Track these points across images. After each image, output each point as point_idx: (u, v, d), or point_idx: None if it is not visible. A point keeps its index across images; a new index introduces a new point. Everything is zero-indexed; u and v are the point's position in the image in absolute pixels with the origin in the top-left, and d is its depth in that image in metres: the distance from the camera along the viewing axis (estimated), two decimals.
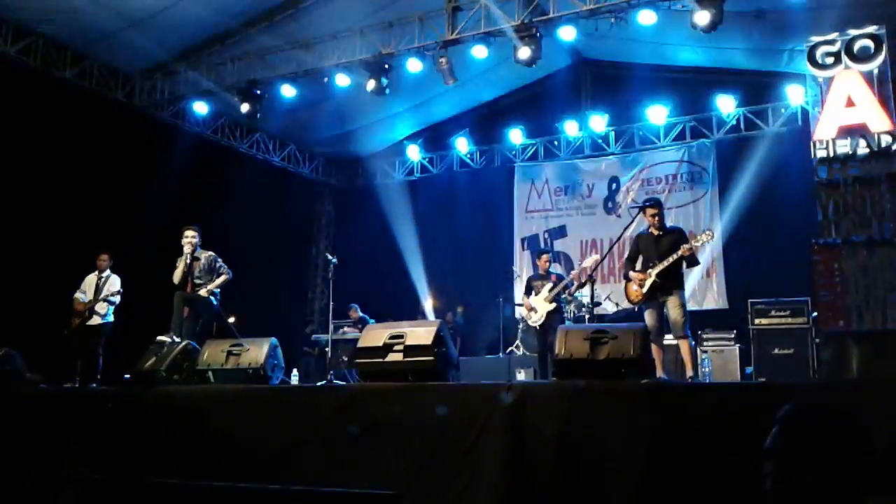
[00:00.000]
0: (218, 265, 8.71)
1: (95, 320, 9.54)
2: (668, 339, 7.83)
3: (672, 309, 7.25)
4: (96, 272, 9.77)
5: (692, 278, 11.95)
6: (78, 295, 9.66)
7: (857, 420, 2.68)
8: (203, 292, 8.47)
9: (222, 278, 8.64)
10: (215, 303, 8.65)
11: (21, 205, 10.75)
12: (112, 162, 11.56)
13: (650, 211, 7.59)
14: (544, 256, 10.14)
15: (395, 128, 15.59)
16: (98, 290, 9.62)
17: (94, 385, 8.56)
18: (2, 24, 10.81)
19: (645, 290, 7.33)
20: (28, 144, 10.81)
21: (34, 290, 10.35)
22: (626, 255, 8.03)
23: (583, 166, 14.80)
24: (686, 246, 7.26)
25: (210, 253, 8.75)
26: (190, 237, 8.64)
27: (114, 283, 9.69)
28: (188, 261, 8.58)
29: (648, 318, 7.32)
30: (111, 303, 9.60)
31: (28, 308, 10.05)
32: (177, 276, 8.58)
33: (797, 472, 2.62)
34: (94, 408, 6.42)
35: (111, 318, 9.65)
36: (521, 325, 11.79)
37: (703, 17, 9.15)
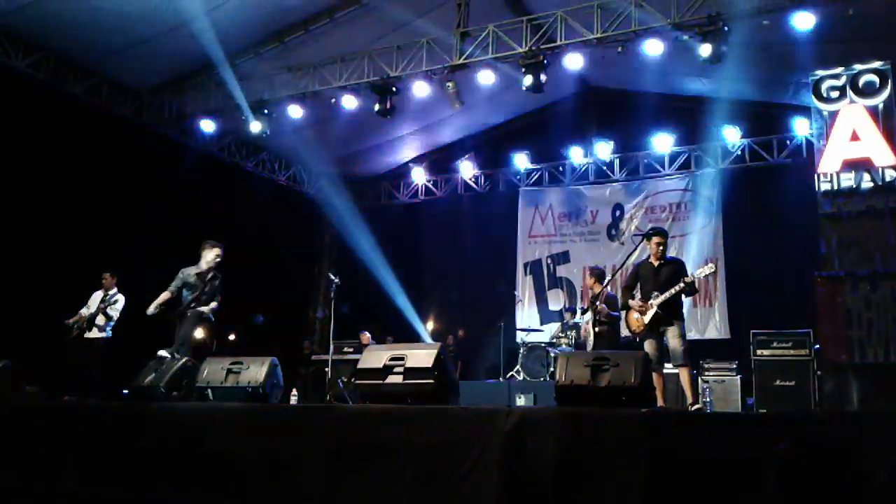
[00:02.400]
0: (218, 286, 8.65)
1: (94, 333, 9.55)
2: (669, 369, 7.82)
3: (672, 338, 7.25)
4: (103, 290, 9.79)
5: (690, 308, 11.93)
6: (83, 311, 9.69)
7: (856, 454, 2.68)
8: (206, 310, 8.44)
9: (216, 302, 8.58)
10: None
11: (26, 218, 10.78)
12: (118, 177, 11.62)
13: (655, 239, 7.59)
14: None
15: (400, 150, 15.67)
16: (104, 305, 9.64)
17: (90, 399, 8.54)
18: (13, 39, 10.90)
19: (647, 320, 7.32)
20: (35, 158, 10.86)
21: (37, 304, 10.35)
22: (624, 284, 8.01)
23: (587, 193, 14.84)
24: (687, 279, 7.27)
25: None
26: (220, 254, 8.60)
27: (118, 299, 9.73)
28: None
29: (648, 347, 7.30)
30: (109, 316, 9.59)
31: (29, 321, 10.04)
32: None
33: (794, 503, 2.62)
34: (91, 422, 6.39)
35: (109, 334, 9.65)
36: (521, 350, 11.78)
37: (707, 49, 9.25)
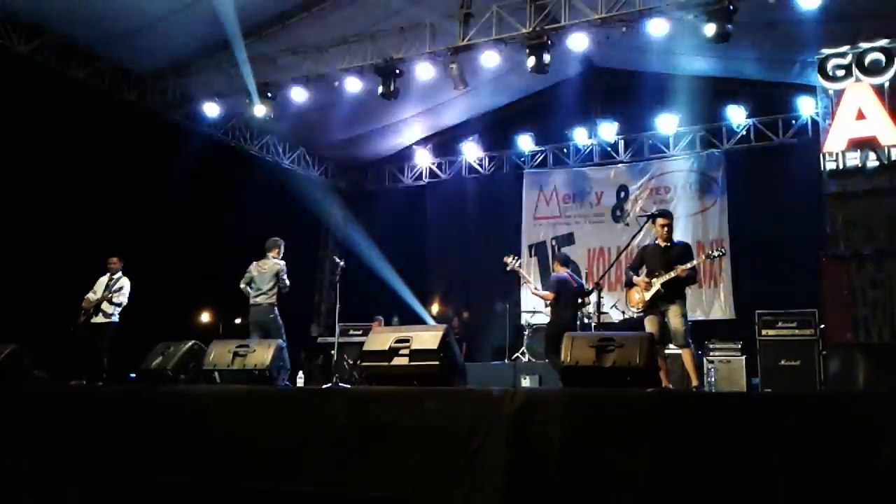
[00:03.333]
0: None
1: (100, 318, 9.58)
2: (673, 349, 7.83)
3: (673, 318, 7.24)
4: (108, 274, 9.82)
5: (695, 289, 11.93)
6: (89, 295, 9.72)
7: (861, 434, 2.69)
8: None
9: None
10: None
11: (32, 204, 10.81)
12: (123, 162, 11.64)
13: (661, 221, 7.57)
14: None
15: (404, 132, 15.61)
16: (107, 290, 9.68)
17: (100, 384, 8.60)
18: (15, 23, 10.86)
19: (648, 297, 7.32)
20: (40, 143, 10.89)
21: (44, 289, 10.41)
22: (629, 264, 8.00)
23: (592, 174, 14.79)
24: (692, 263, 7.27)
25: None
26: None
27: (123, 285, 9.73)
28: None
29: (649, 325, 7.31)
30: (115, 304, 9.62)
31: (37, 306, 10.11)
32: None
33: (803, 483, 2.63)
34: (99, 406, 6.43)
35: (117, 320, 9.67)
36: (526, 332, 11.80)
37: (712, 28, 9.19)
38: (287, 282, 9.46)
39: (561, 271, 9.63)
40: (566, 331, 9.27)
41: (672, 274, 7.21)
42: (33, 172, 10.86)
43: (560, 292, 9.33)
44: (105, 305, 9.58)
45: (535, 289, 10.34)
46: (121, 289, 9.69)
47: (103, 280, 9.81)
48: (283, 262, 9.54)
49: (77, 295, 9.86)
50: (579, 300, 9.39)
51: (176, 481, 5.60)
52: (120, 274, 9.83)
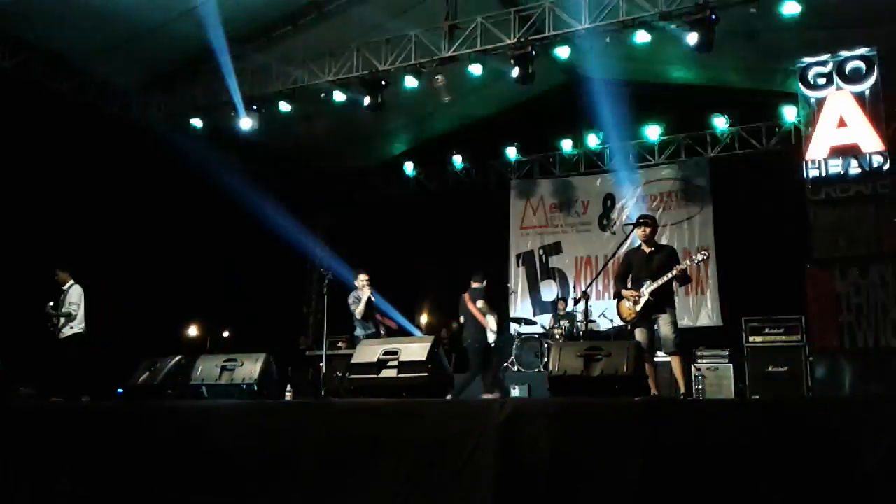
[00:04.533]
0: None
1: (65, 332, 9.43)
2: (662, 357, 7.85)
3: (664, 326, 7.27)
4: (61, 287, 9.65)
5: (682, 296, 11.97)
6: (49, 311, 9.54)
7: (845, 440, 2.71)
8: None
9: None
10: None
11: (17, 218, 10.74)
12: (107, 176, 11.59)
13: (644, 228, 7.60)
14: None
15: (390, 144, 15.65)
16: (59, 304, 9.51)
17: (86, 398, 8.53)
18: (0, 39, 10.84)
19: (639, 308, 7.32)
20: (24, 157, 10.82)
21: (29, 304, 10.33)
22: (615, 273, 8.02)
23: (578, 183, 14.86)
24: (680, 266, 7.28)
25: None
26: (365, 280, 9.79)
27: (71, 295, 9.55)
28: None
29: (640, 336, 7.31)
30: (66, 315, 9.43)
31: (22, 322, 10.03)
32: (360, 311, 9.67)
33: (786, 489, 2.65)
34: (86, 423, 6.39)
35: (79, 330, 9.50)
36: (515, 342, 11.82)
37: (695, 38, 9.28)
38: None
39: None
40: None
41: (659, 282, 7.24)
42: (18, 187, 10.80)
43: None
44: (62, 321, 9.44)
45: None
46: (70, 301, 9.48)
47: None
48: None
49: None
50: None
51: (165, 497, 5.56)
52: (69, 284, 9.63)
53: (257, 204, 14.01)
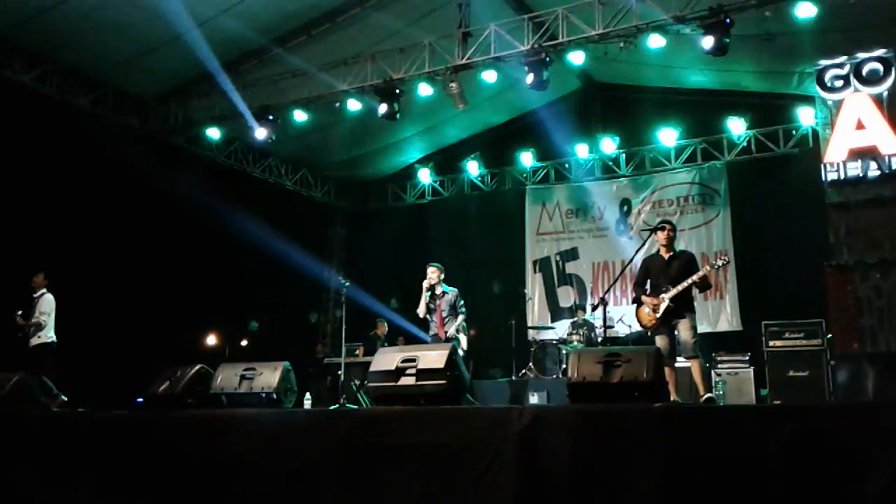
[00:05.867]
0: (459, 303, 9.19)
1: (34, 342, 9.39)
2: (681, 362, 7.81)
3: (683, 331, 7.25)
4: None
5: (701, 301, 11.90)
6: (17, 319, 9.46)
7: (861, 443, 2.68)
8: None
9: (460, 318, 9.11)
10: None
11: (38, 230, 10.84)
12: (126, 187, 11.68)
13: (662, 233, 7.58)
14: None
15: (406, 151, 15.69)
16: (30, 312, 9.44)
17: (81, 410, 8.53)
18: (18, 53, 10.97)
19: (659, 314, 7.30)
20: (44, 171, 10.92)
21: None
22: (634, 279, 8.00)
23: (594, 189, 14.82)
24: (700, 273, 7.26)
25: (455, 290, 9.24)
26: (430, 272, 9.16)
27: (43, 303, 9.49)
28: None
29: (660, 342, 7.29)
30: (35, 325, 9.37)
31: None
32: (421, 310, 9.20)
33: (800, 494, 2.62)
34: (107, 432, 6.43)
35: (48, 340, 9.44)
36: (533, 348, 11.79)
37: (710, 42, 9.24)
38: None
39: None
40: None
41: (679, 288, 7.22)
42: (37, 199, 10.90)
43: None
44: (33, 329, 9.37)
45: None
46: (41, 310, 9.42)
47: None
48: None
49: (73, 320, 9.84)
50: None
51: None
52: (42, 292, 9.56)
53: (273, 214, 14.12)
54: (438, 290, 9.14)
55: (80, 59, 11.43)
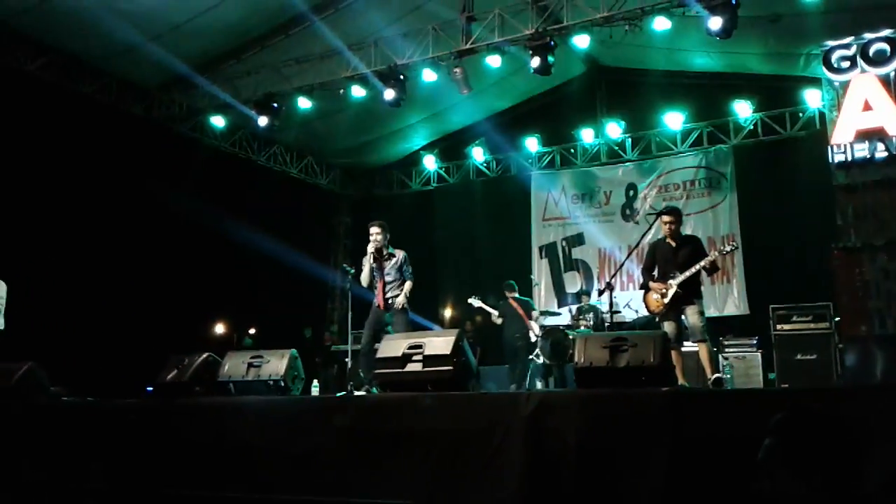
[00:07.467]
0: (407, 268, 8.20)
1: None
2: (689, 347, 7.81)
3: (691, 315, 7.27)
4: None
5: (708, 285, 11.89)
6: None
7: (857, 427, 2.67)
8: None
9: (408, 286, 8.13)
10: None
11: (42, 219, 10.87)
12: (131, 175, 11.69)
13: (666, 219, 7.56)
14: None
15: (411, 138, 15.65)
16: None
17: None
18: (22, 41, 10.96)
19: (667, 300, 7.30)
20: (49, 159, 10.94)
21: (60, 305, 10.46)
22: (642, 265, 7.99)
23: (600, 174, 14.77)
24: (709, 258, 7.24)
25: (402, 252, 8.26)
26: (373, 234, 8.14)
27: None
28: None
29: (668, 327, 7.29)
30: None
31: (54, 322, 10.15)
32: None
33: (791, 480, 2.62)
34: (116, 420, 6.46)
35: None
36: (540, 334, 11.77)
37: (716, 23, 9.14)
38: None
39: (507, 297, 11.44)
40: (512, 346, 11.13)
41: (687, 273, 7.22)
42: (43, 188, 10.92)
43: (506, 315, 11.35)
44: None
45: (496, 317, 11.61)
46: None
47: None
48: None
49: (89, 310, 9.86)
50: (530, 317, 11.25)
51: (194, 494, 5.62)
52: None
53: (279, 202, 14.13)
54: (384, 253, 8.17)
55: (84, 48, 11.40)
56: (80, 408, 7.00)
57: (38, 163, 10.83)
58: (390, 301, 8.10)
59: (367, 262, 8.19)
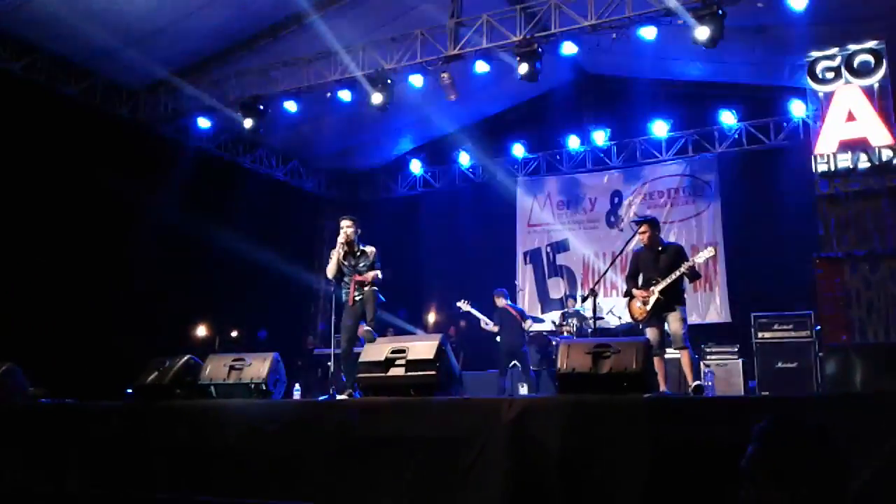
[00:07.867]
0: (377, 265, 8.11)
1: None
2: (671, 354, 7.83)
3: (672, 322, 7.30)
4: None
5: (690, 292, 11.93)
6: None
7: (838, 436, 2.67)
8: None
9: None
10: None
11: (28, 220, 10.77)
12: (116, 177, 11.60)
13: (640, 229, 7.61)
14: None
15: (397, 142, 15.65)
16: None
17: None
18: (7, 41, 10.87)
19: (649, 307, 7.35)
20: (33, 160, 10.84)
21: (38, 305, 10.37)
22: (626, 272, 8.03)
23: (585, 180, 14.82)
24: (688, 263, 7.29)
25: (373, 248, 8.21)
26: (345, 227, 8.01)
27: None
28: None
29: (650, 333, 7.32)
30: None
31: (35, 323, 10.06)
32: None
33: (774, 488, 2.62)
34: (96, 423, 6.41)
35: None
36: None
37: (703, 33, 9.19)
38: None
39: (500, 304, 11.24)
40: (512, 352, 10.94)
41: (668, 280, 7.26)
42: (27, 188, 10.82)
43: (502, 323, 11.14)
44: None
45: (486, 323, 11.53)
46: None
47: None
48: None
49: (70, 311, 9.77)
50: (524, 324, 11.10)
51: (174, 497, 5.58)
52: None
53: (263, 205, 14.06)
54: (356, 248, 8.05)
55: (70, 49, 11.32)
56: (58, 409, 6.93)
57: (20, 163, 10.73)
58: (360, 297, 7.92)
59: (336, 254, 7.99)
